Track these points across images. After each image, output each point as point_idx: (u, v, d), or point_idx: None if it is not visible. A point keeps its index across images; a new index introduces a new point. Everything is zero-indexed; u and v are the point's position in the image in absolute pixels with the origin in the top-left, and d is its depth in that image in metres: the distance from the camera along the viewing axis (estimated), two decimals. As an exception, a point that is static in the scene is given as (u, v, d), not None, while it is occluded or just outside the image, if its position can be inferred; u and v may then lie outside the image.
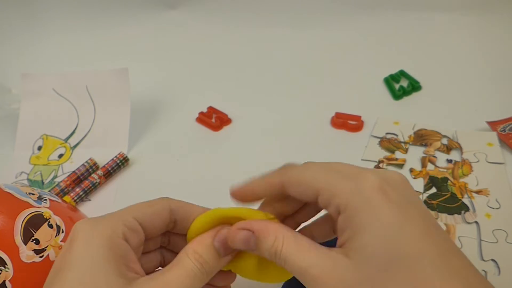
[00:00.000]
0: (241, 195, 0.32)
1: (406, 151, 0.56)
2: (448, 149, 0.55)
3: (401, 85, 0.66)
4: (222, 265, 0.31)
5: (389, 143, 0.57)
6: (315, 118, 0.62)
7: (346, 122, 0.60)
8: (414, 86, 0.65)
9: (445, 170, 0.53)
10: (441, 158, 0.54)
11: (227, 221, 0.31)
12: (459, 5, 0.76)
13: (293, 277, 0.37)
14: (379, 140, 0.58)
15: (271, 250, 0.28)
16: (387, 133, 0.58)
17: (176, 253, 0.30)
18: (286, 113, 0.64)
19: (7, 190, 0.38)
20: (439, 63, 0.70)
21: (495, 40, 0.73)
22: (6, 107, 0.67)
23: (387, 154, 0.56)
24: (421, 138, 0.57)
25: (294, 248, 0.27)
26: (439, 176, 0.52)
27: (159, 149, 0.61)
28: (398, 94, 0.64)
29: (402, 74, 0.68)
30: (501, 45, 0.71)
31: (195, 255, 0.29)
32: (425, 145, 0.56)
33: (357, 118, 0.60)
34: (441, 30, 0.76)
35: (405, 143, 0.57)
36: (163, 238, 0.34)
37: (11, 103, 0.67)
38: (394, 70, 0.68)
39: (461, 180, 0.51)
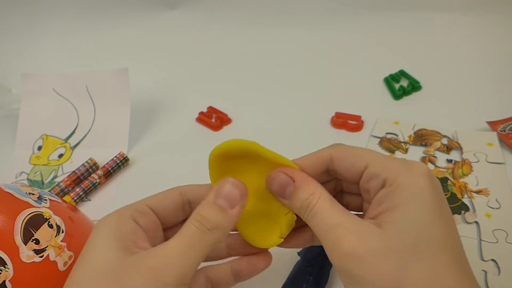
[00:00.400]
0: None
1: (406, 151, 0.56)
2: (448, 149, 0.55)
3: (401, 85, 0.66)
4: (230, 220, 0.29)
5: (389, 143, 0.57)
6: (315, 118, 0.62)
7: (346, 122, 0.60)
8: (414, 86, 0.65)
9: (445, 170, 0.53)
10: (441, 158, 0.54)
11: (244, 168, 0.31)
12: (459, 5, 0.76)
13: (296, 271, 0.37)
14: (379, 140, 0.58)
15: (305, 202, 0.28)
16: (387, 133, 0.58)
17: None
18: (286, 113, 0.64)
19: (7, 190, 0.38)
20: (439, 63, 0.70)
21: (495, 40, 0.73)
22: (6, 107, 0.67)
23: (387, 154, 0.56)
24: (421, 138, 0.57)
25: (328, 206, 0.28)
26: (439, 176, 0.52)
27: (159, 149, 0.61)
28: (398, 94, 0.64)
29: (402, 74, 0.68)
30: (501, 45, 0.72)
31: (196, 216, 0.29)
32: (425, 145, 0.56)
33: (357, 118, 0.60)
34: (441, 30, 0.76)
35: (405, 143, 0.57)
36: None
37: (11, 103, 0.67)
38: (394, 70, 0.69)
39: (461, 180, 0.51)
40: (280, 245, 0.33)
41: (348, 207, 0.33)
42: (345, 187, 0.34)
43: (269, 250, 0.34)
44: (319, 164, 0.31)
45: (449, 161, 0.54)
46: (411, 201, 0.26)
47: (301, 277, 0.40)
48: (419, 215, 0.26)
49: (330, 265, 0.42)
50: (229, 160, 0.30)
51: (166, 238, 0.32)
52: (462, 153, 0.54)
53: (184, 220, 0.32)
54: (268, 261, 0.34)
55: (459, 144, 0.55)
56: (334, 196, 0.31)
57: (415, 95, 0.65)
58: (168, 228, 0.33)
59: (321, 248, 0.41)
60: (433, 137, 0.57)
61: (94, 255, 0.28)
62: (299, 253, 0.43)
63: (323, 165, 0.31)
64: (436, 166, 0.53)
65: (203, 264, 0.31)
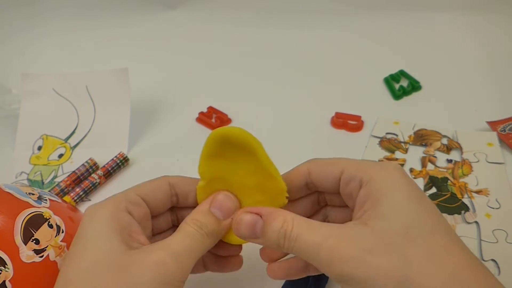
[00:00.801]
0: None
1: (406, 151, 0.56)
2: (448, 149, 0.55)
3: (401, 85, 0.66)
4: (222, 229, 0.31)
5: (389, 143, 0.57)
6: (315, 118, 0.62)
7: (346, 122, 0.60)
8: (414, 86, 0.65)
9: (445, 170, 0.53)
10: (441, 158, 0.54)
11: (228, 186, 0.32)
12: (459, 5, 0.76)
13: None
14: (379, 140, 0.58)
15: (280, 231, 0.28)
16: (387, 133, 0.58)
17: None
18: (286, 113, 0.64)
19: (7, 190, 0.38)
20: (439, 63, 0.70)
21: (495, 40, 0.73)
22: (6, 107, 0.67)
23: (387, 154, 0.56)
24: (421, 138, 0.57)
25: (305, 226, 0.28)
26: (439, 176, 0.52)
27: (159, 149, 0.61)
28: (398, 94, 0.64)
29: (402, 74, 0.68)
30: (501, 45, 0.72)
31: (193, 220, 0.30)
32: (425, 145, 0.56)
33: (357, 118, 0.60)
34: (441, 30, 0.76)
35: (405, 143, 0.57)
36: (172, 216, 0.36)
37: (11, 103, 0.67)
38: (394, 70, 0.69)
39: (461, 180, 0.51)
40: (275, 277, 0.34)
41: (336, 221, 0.33)
42: (329, 201, 0.34)
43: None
44: (298, 178, 0.32)
45: (449, 161, 0.54)
46: (390, 192, 0.27)
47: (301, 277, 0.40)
48: (401, 203, 0.26)
49: None
50: (226, 145, 0.30)
51: (152, 227, 0.34)
52: (462, 153, 0.54)
53: (169, 209, 0.35)
54: (239, 263, 0.35)
55: (459, 144, 0.55)
56: (320, 211, 0.32)
57: (415, 95, 0.65)
58: (154, 216, 0.34)
59: None
60: (433, 137, 0.57)
61: (94, 247, 0.28)
62: None
63: (302, 179, 0.32)
64: (436, 166, 0.53)
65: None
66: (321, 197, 0.34)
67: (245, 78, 0.72)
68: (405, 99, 0.65)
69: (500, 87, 0.64)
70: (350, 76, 0.70)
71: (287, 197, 0.31)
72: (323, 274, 0.41)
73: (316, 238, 0.26)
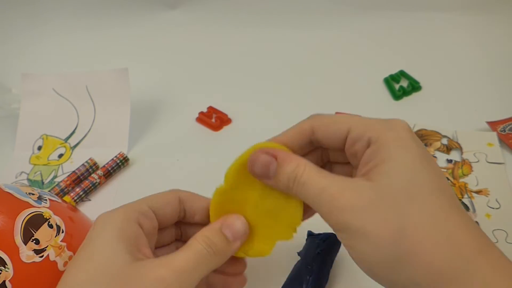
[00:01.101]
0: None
1: None
2: (448, 149, 0.55)
3: (401, 85, 0.66)
4: (232, 249, 0.32)
5: None
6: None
7: (346, 122, 0.60)
8: (414, 86, 0.65)
9: (445, 170, 0.53)
10: (441, 158, 0.54)
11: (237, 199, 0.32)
12: (459, 5, 0.76)
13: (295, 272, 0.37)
14: None
15: (291, 174, 0.28)
16: None
17: None
18: (286, 113, 0.64)
19: (7, 190, 0.38)
20: (439, 63, 0.70)
21: (495, 40, 0.73)
22: (6, 107, 0.67)
23: None
24: (421, 138, 0.57)
25: (315, 172, 0.28)
26: None
27: (159, 149, 0.61)
28: (398, 94, 0.64)
29: (402, 74, 0.68)
30: (501, 45, 0.72)
31: (203, 237, 0.30)
32: (425, 145, 0.56)
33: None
34: (441, 30, 0.76)
35: None
36: (176, 230, 0.36)
37: (11, 102, 0.67)
38: (394, 70, 0.68)
39: (461, 180, 0.51)
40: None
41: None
42: (332, 157, 0.34)
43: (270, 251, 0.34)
44: (301, 136, 0.32)
45: (449, 161, 0.54)
46: (397, 152, 0.27)
47: (301, 277, 0.40)
48: (407, 163, 0.27)
49: (330, 265, 0.42)
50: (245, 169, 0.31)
51: (156, 240, 0.34)
52: (462, 153, 0.55)
53: (175, 224, 0.35)
54: (242, 283, 0.35)
55: (459, 144, 0.55)
56: (322, 167, 0.31)
57: (415, 96, 0.65)
58: (159, 229, 0.34)
59: (321, 249, 0.41)
60: (433, 137, 0.57)
61: (99, 256, 0.29)
62: (299, 253, 0.43)
63: (305, 137, 0.32)
64: None
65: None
66: (324, 153, 0.34)
67: (245, 78, 0.72)
68: (405, 99, 0.65)
69: (500, 87, 0.64)
70: (350, 76, 0.70)
71: (295, 233, 0.32)
72: (323, 273, 0.41)
73: (322, 184, 0.27)
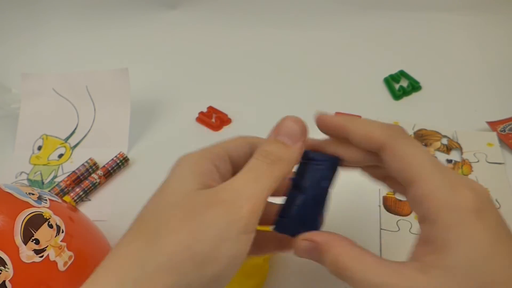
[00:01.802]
0: (325, 123, 0.33)
1: None
2: (448, 149, 0.55)
3: (401, 85, 0.66)
4: (294, 153, 0.30)
5: None
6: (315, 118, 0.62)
7: (346, 122, 0.60)
8: (414, 86, 0.65)
9: None
10: (441, 158, 0.54)
11: None
12: (459, 5, 0.76)
13: None
14: None
15: (333, 264, 0.27)
16: None
17: None
18: (286, 113, 0.64)
19: (7, 190, 0.38)
20: (439, 63, 0.70)
21: (495, 40, 0.73)
22: (6, 107, 0.67)
23: None
24: (421, 138, 0.57)
25: (359, 262, 0.26)
26: None
27: (159, 149, 0.61)
28: (398, 94, 0.64)
29: (402, 74, 0.68)
30: (501, 45, 0.72)
31: (259, 151, 0.30)
32: (425, 145, 0.56)
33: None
34: (441, 30, 0.76)
35: None
36: None
37: (11, 102, 0.67)
38: (394, 70, 0.68)
39: None
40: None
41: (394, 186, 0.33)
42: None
43: None
44: (370, 145, 0.29)
45: (449, 161, 0.54)
46: (459, 243, 0.24)
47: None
48: (472, 258, 0.23)
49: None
50: None
51: None
52: (462, 153, 0.54)
53: None
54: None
55: (459, 144, 0.55)
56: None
57: (415, 95, 0.65)
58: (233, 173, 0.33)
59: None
60: (433, 137, 0.57)
61: (169, 189, 0.29)
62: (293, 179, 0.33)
63: (372, 147, 0.29)
64: None
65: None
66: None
67: (245, 78, 0.72)
68: (405, 99, 0.65)
69: (500, 87, 0.64)
70: (350, 76, 0.70)
71: None
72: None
73: (370, 280, 0.25)
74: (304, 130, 0.31)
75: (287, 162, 0.29)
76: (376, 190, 0.52)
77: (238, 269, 0.27)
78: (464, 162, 0.53)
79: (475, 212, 0.24)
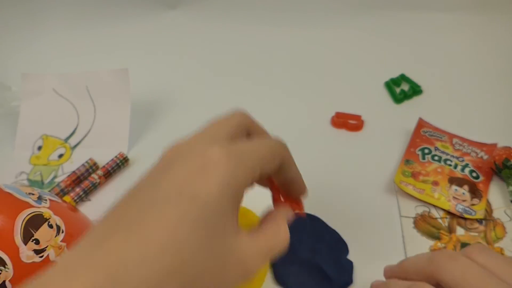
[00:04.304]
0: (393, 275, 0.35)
1: (447, 230, 0.47)
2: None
3: (402, 89, 0.66)
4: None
5: (426, 223, 0.48)
6: (315, 118, 0.62)
7: (346, 122, 0.60)
8: (415, 90, 0.65)
9: (475, 234, 0.46)
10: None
11: None
12: (461, 6, 0.76)
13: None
14: (412, 220, 0.48)
15: None
16: (417, 206, 0.50)
17: None
18: (286, 113, 0.64)
19: (7, 190, 0.38)
20: (440, 67, 0.70)
21: (498, 43, 0.72)
22: (6, 105, 0.66)
23: (431, 242, 0.46)
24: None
25: None
26: (471, 242, 0.45)
27: (159, 149, 0.60)
28: (399, 98, 0.64)
29: (403, 78, 0.68)
30: (504, 48, 0.71)
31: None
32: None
33: (357, 117, 0.61)
34: (442, 34, 0.76)
35: (441, 218, 0.48)
36: None
37: (10, 100, 0.67)
38: (395, 74, 0.68)
39: (496, 245, 0.44)
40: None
41: None
42: None
43: None
44: (421, 277, 0.31)
45: (480, 222, 0.47)
46: None
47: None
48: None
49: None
50: None
51: None
52: (491, 211, 0.48)
53: None
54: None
55: (489, 203, 0.48)
56: None
57: (416, 99, 0.65)
58: None
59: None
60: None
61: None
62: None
63: (425, 279, 0.31)
64: (466, 228, 0.46)
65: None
66: None
67: (245, 77, 0.72)
68: (406, 103, 0.65)
69: (503, 90, 0.64)
70: (350, 80, 0.70)
71: None
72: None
73: None
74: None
75: None
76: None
77: None
78: (495, 222, 0.46)
79: None
